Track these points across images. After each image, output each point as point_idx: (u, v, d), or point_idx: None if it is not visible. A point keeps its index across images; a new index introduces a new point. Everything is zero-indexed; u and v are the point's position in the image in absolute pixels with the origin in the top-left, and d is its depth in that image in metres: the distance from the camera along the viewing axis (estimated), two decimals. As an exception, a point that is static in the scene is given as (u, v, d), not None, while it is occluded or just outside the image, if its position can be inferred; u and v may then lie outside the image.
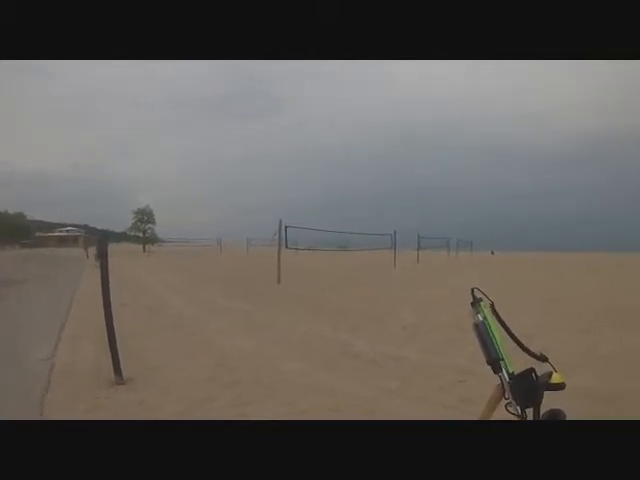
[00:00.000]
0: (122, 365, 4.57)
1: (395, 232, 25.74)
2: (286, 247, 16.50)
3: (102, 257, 4.92)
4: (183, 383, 4.53)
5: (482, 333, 1.16)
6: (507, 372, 1.13)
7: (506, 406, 1.11)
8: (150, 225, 62.42)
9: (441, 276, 17.70)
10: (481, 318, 1.18)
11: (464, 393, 3.89)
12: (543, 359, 1.18)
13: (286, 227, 16.33)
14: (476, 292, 1.23)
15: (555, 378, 1.09)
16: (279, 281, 14.31)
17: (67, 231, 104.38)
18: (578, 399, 3.11)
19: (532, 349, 1.19)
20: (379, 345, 6.10)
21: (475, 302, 1.22)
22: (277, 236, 16.06)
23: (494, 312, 1.21)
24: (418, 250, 29.87)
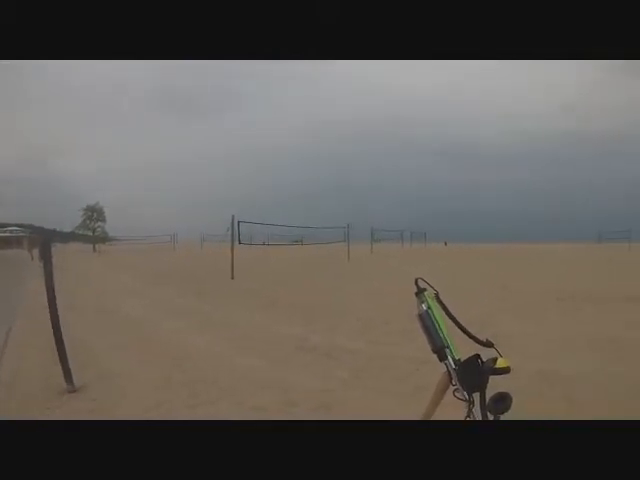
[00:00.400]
0: (73, 372, 4.29)
1: (348, 225, 26.12)
2: (239, 242, 16.32)
3: (46, 258, 4.60)
4: (137, 387, 4.33)
5: (426, 322, 1.18)
6: (453, 359, 1.15)
7: (454, 392, 1.13)
8: (100, 223, 59.24)
9: (394, 267, 17.82)
10: (425, 308, 1.20)
11: (419, 381, 3.93)
12: (489, 345, 1.20)
13: (239, 222, 16.14)
14: (420, 282, 1.24)
15: (500, 363, 1.11)
16: (233, 277, 14.12)
17: (10, 232, 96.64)
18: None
19: (478, 336, 1.21)
20: (334, 338, 6.11)
21: (419, 292, 1.23)
22: (230, 231, 15.87)
23: (439, 301, 1.23)
24: (372, 243, 30.48)
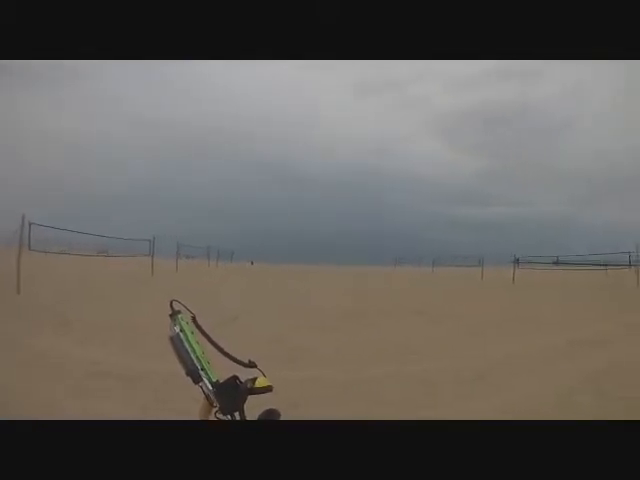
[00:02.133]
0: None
1: (154, 238, 23.93)
2: (29, 249, 13.88)
3: None
4: None
5: (177, 345, 1.16)
6: (210, 381, 1.14)
7: (215, 413, 1.13)
8: None
9: (203, 286, 17.01)
10: (177, 330, 1.18)
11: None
12: (251, 365, 1.22)
13: (30, 224, 13.57)
14: (175, 304, 1.21)
15: (259, 382, 1.14)
16: (19, 291, 11.89)
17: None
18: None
19: (239, 357, 1.22)
20: (130, 360, 5.82)
21: (173, 314, 1.20)
22: (19, 234, 13.28)
23: (195, 324, 1.23)
24: (177, 258, 27.81)
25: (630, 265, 21.10)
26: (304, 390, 3.88)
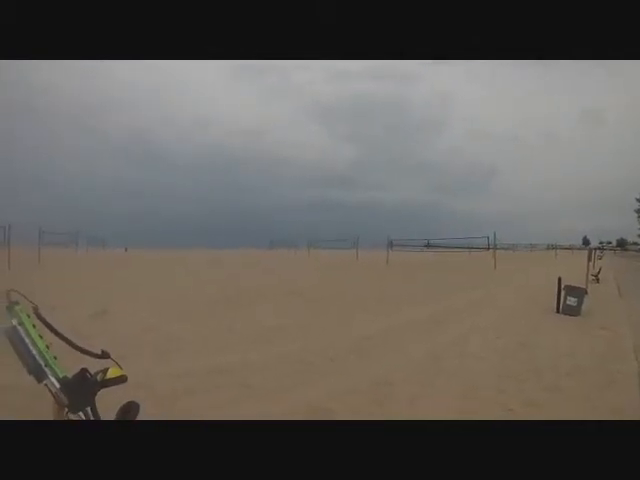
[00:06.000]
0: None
1: (9, 226, 19.56)
2: None
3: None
4: None
5: (15, 340, 1.04)
6: (56, 378, 1.04)
7: (66, 413, 1.04)
8: None
9: (69, 278, 14.62)
10: (15, 323, 1.05)
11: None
12: (105, 356, 1.14)
13: None
14: (13, 295, 1.09)
15: (112, 373, 1.07)
16: None
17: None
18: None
19: (91, 349, 1.14)
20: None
21: (10, 306, 1.07)
22: None
23: (38, 316, 1.11)
24: (39, 247, 23.45)
25: (488, 248, 23.22)
26: (177, 383, 3.79)
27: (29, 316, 1.08)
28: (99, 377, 1.06)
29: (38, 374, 1.03)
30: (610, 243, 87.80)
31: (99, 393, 1.09)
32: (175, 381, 3.76)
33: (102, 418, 1.09)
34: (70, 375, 1.06)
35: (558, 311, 8.08)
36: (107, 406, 1.13)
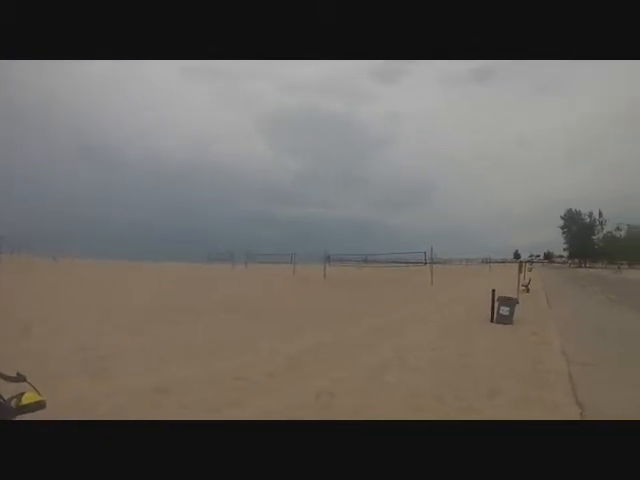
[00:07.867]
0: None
1: None
2: None
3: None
4: None
5: None
6: None
7: None
8: None
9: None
10: None
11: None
12: (21, 379, 1.04)
13: None
14: None
15: (27, 398, 0.98)
16: None
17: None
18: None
19: (4, 371, 1.04)
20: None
21: None
22: None
23: None
24: None
25: (425, 263, 23.85)
26: (114, 400, 3.65)
27: None
28: (13, 403, 0.97)
29: None
30: (539, 256, 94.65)
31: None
32: (107, 399, 3.59)
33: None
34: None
35: (492, 320, 8.57)
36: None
